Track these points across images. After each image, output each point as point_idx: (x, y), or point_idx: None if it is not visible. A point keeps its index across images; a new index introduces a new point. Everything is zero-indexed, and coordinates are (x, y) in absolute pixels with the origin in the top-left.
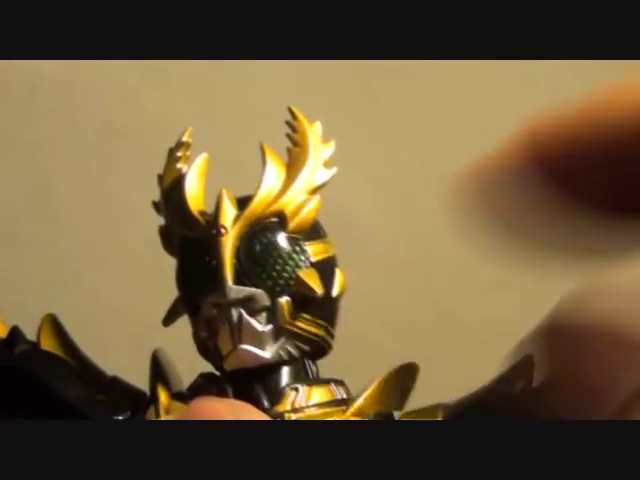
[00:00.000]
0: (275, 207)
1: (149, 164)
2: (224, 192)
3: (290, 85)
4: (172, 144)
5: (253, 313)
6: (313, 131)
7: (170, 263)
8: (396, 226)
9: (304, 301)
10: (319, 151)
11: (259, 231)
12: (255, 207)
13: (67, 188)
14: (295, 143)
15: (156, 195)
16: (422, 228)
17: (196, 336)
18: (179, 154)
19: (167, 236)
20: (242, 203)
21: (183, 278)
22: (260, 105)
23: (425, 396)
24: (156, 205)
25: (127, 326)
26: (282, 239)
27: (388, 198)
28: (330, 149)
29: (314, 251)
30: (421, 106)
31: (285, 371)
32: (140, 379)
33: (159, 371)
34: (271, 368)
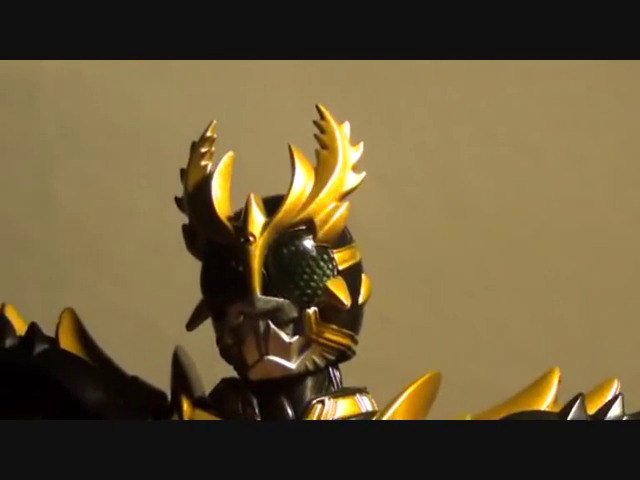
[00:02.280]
0: (304, 214)
1: (149, 164)
2: (252, 198)
3: (290, 85)
4: (172, 143)
5: (280, 324)
6: (342, 132)
7: (170, 264)
8: (398, 226)
9: (331, 311)
10: (348, 154)
11: (288, 239)
12: (284, 214)
13: (67, 188)
14: (324, 145)
15: (156, 195)
16: (422, 228)
17: (220, 342)
18: (203, 150)
19: (191, 237)
20: (270, 208)
21: (209, 283)
22: (260, 105)
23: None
24: (179, 202)
25: (126, 325)
26: (311, 248)
27: (392, 198)
28: (359, 152)
29: (341, 258)
30: (421, 106)
31: (310, 382)
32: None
33: (180, 372)
34: (296, 379)
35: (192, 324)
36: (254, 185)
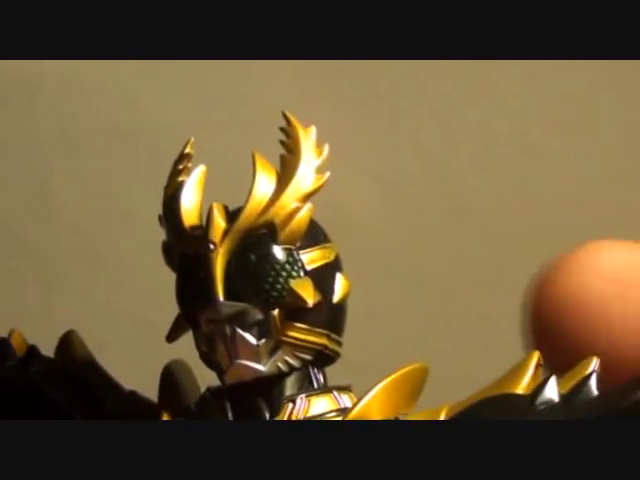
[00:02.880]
0: (265, 218)
1: (149, 164)
2: (214, 206)
3: (291, 85)
4: (172, 144)
5: (246, 327)
6: (306, 136)
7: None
8: (397, 226)
9: (300, 311)
10: (311, 157)
11: (250, 244)
12: (244, 219)
13: (67, 188)
14: (288, 150)
15: (155, 196)
16: (419, 228)
17: (199, 350)
18: (180, 167)
19: (168, 251)
20: (233, 216)
21: (181, 294)
22: (260, 105)
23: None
24: (160, 219)
25: (124, 326)
26: (274, 251)
27: (389, 198)
28: (323, 154)
29: (310, 259)
30: (421, 106)
31: (287, 382)
32: (137, 381)
33: (168, 387)
34: (272, 380)
35: (171, 336)
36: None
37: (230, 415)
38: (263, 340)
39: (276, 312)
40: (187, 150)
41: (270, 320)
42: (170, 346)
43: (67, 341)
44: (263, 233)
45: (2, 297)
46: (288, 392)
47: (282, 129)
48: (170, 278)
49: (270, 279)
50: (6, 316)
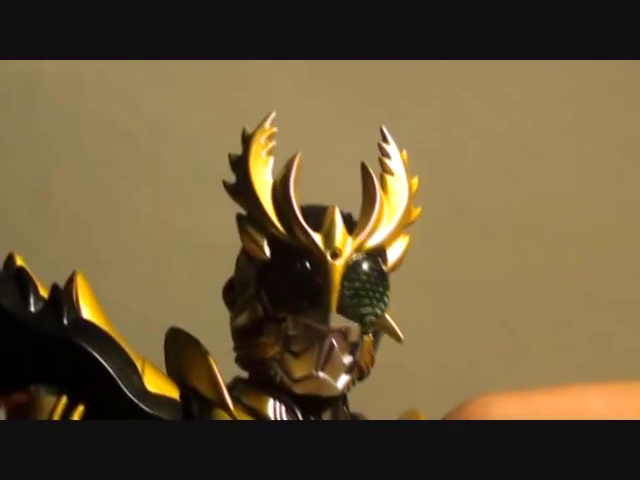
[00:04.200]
0: (379, 240)
1: (149, 164)
2: (337, 211)
3: (291, 85)
4: (172, 144)
5: (343, 344)
6: (405, 160)
7: (169, 263)
8: None
9: (377, 339)
10: (412, 186)
11: (362, 261)
12: (366, 236)
13: (67, 188)
14: (389, 171)
15: (156, 195)
16: (422, 229)
17: (257, 346)
18: (263, 141)
19: (248, 229)
20: (348, 226)
21: (275, 285)
22: (261, 105)
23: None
24: (231, 187)
25: (126, 325)
26: (381, 275)
27: None
28: (416, 183)
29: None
30: (422, 106)
31: (339, 403)
32: None
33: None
34: (334, 399)
35: (247, 324)
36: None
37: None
38: (349, 360)
39: (369, 338)
40: (268, 125)
41: (362, 343)
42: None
43: (82, 288)
44: (374, 255)
45: None
46: (337, 413)
47: (380, 146)
48: (171, 277)
49: (374, 302)
50: None
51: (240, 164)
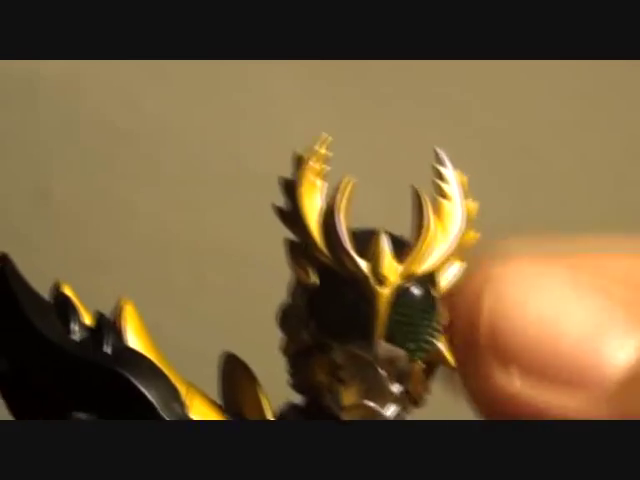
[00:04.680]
0: (429, 267)
1: (149, 164)
2: (384, 236)
3: (291, 85)
4: (172, 144)
5: (390, 373)
6: (462, 183)
7: (171, 265)
8: (399, 227)
9: (430, 367)
10: (470, 210)
11: (410, 288)
12: (415, 263)
13: (67, 188)
14: (444, 195)
15: (156, 196)
16: None
17: (308, 376)
18: (315, 165)
19: (297, 255)
20: (398, 251)
21: (323, 314)
22: (261, 105)
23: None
24: (280, 212)
25: None
26: (430, 301)
27: (390, 198)
28: (475, 208)
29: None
30: (423, 107)
31: None
32: None
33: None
34: None
35: (297, 353)
36: (255, 188)
37: None
38: (398, 389)
39: (419, 367)
40: (318, 147)
41: (412, 373)
42: (170, 346)
43: (130, 318)
44: (424, 282)
45: None
46: None
47: (435, 168)
48: (171, 279)
49: (423, 329)
50: None
51: (290, 188)
